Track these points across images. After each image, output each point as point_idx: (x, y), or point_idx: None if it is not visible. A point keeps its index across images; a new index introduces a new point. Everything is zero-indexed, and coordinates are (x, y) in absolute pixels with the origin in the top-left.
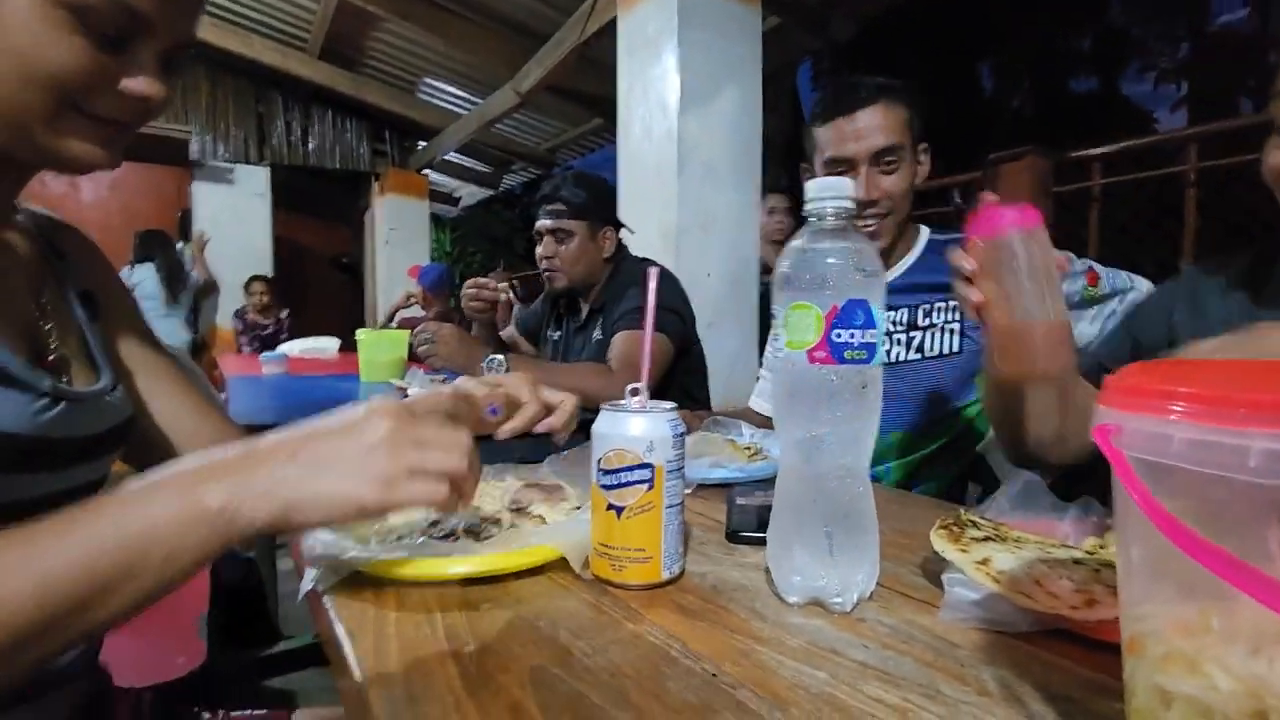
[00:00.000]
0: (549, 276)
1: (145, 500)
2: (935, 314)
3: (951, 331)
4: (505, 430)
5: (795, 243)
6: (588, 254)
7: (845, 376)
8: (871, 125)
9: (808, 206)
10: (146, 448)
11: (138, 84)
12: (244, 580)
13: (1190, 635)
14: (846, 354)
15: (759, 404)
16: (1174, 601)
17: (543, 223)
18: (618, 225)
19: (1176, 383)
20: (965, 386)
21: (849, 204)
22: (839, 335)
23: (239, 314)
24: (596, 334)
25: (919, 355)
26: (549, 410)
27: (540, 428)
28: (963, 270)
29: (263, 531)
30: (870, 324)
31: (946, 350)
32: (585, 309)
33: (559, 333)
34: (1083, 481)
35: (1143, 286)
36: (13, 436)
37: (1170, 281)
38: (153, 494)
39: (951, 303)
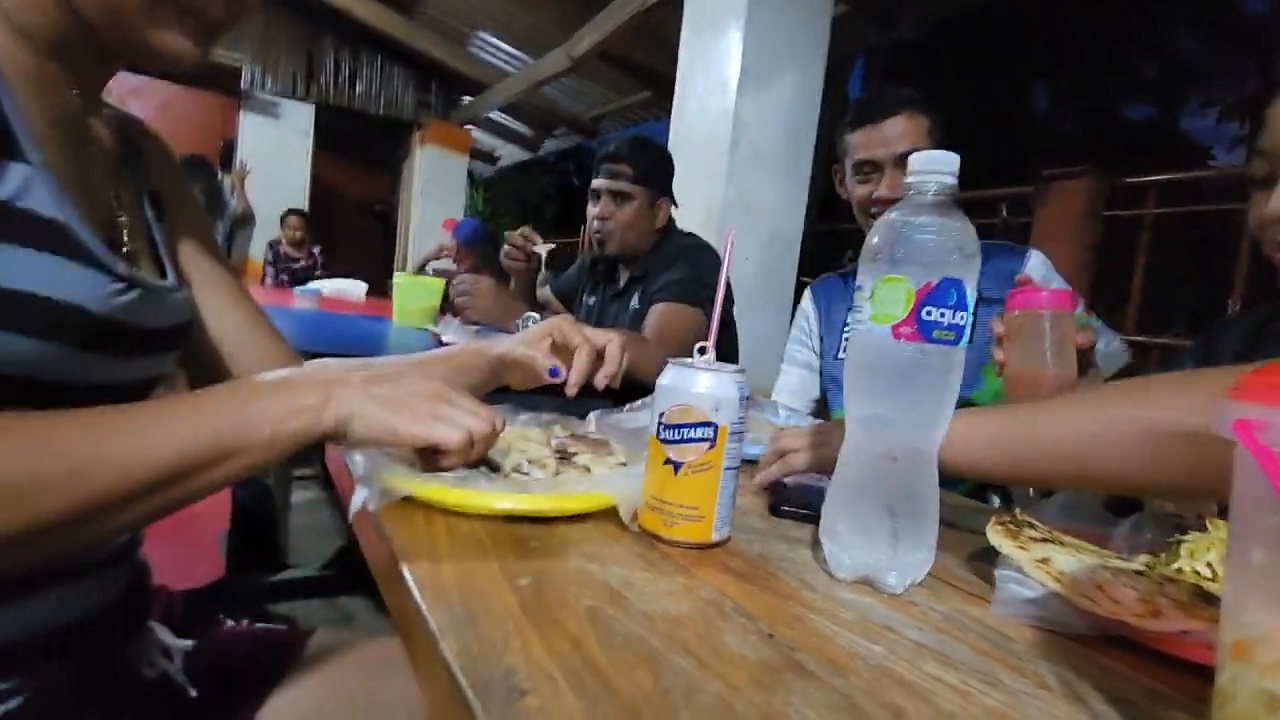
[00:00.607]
0: (599, 239)
1: (255, 394)
2: None
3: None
4: (572, 386)
5: (891, 215)
6: (642, 221)
7: (930, 356)
8: (896, 132)
9: (910, 179)
10: (198, 353)
11: None
12: (259, 505)
13: None
14: (935, 333)
15: (785, 398)
16: None
17: (601, 182)
18: (673, 197)
19: None
20: (974, 375)
21: (953, 180)
22: (929, 313)
23: (273, 245)
24: (634, 303)
25: None
26: (599, 355)
27: (598, 380)
28: (994, 331)
29: (330, 431)
30: (963, 306)
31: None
32: (624, 276)
33: (594, 298)
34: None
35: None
36: (85, 312)
37: (1215, 332)
38: (259, 390)
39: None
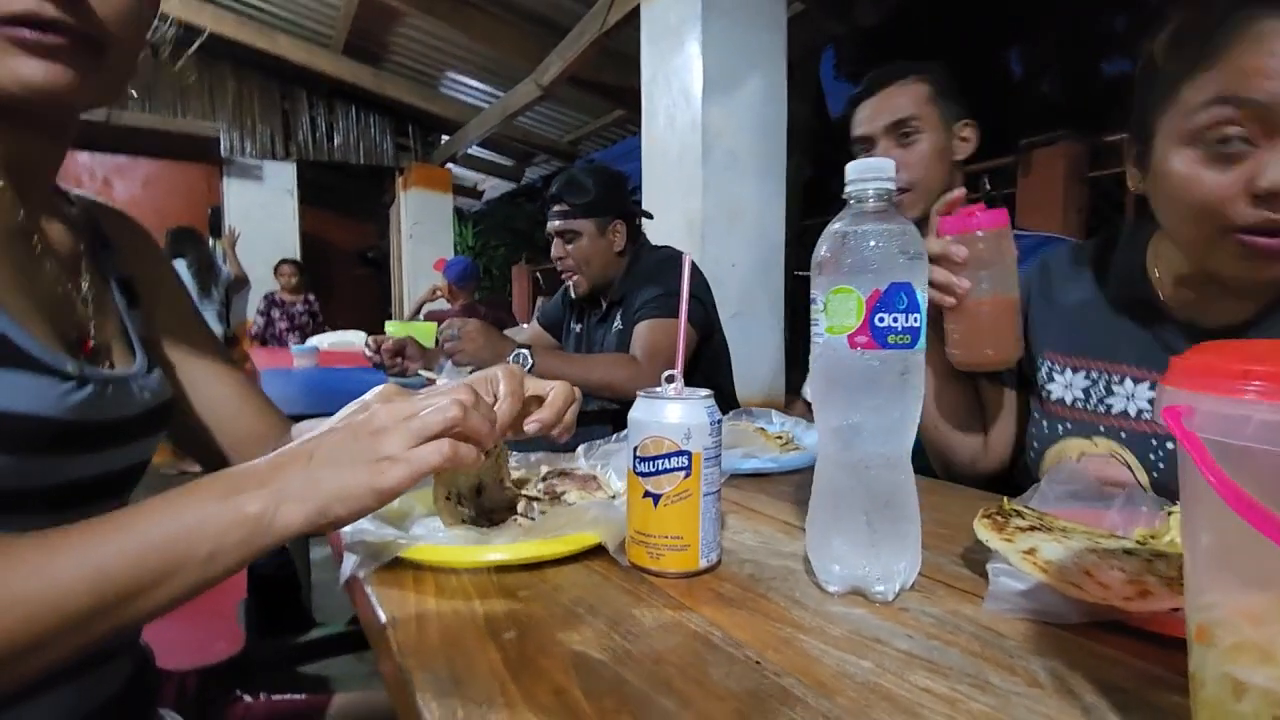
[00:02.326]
0: (566, 280)
1: (191, 504)
2: None
3: None
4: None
5: (835, 225)
6: (598, 251)
7: (888, 362)
8: (889, 103)
9: (848, 189)
10: (189, 432)
11: None
12: (279, 569)
13: (1263, 624)
14: (890, 339)
15: (808, 393)
16: (1245, 589)
17: (551, 224)
18: (631, 215)
19: (1252, 361)
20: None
21: (890, 185)
22: (881, 319)
23: (268, 296)
24: (617, 324)
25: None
26: (538, 402)
27: (527, 426)
28: (955, 255)
29: (302, 532)
30: (914, 308)
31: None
32: (604, 301)
33: (580, 325)
34: (1003, 488)
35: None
36: (43, 419)
37: (1032, 267)
38: (198, 498)
39: None
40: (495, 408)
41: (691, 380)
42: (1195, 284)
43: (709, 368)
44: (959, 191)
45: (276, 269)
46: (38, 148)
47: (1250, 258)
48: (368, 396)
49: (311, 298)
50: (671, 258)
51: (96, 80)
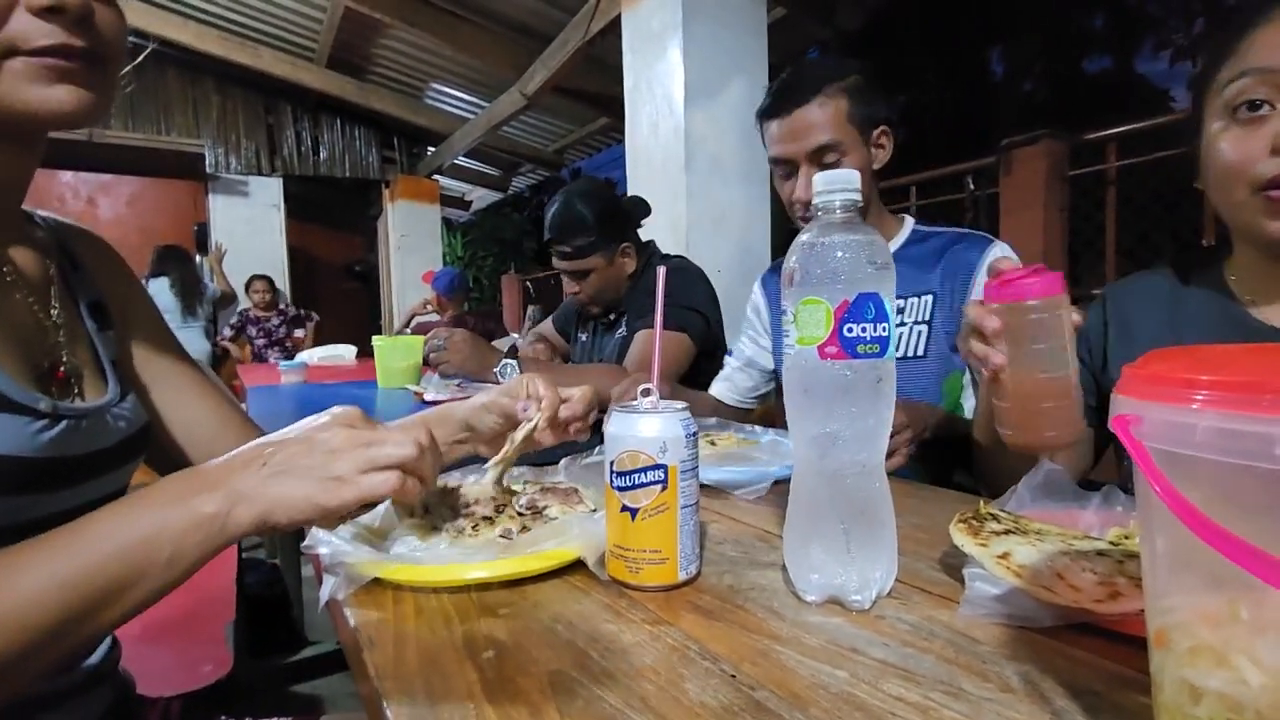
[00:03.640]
0: (583, 308)
1: (148, 508)
2: (906, 312)
3: (919, 334)
4: (543, 425)
5: (803, 237)
6: (612, 281)
7: (859, 371)
8: (806, 123)
9: (815, 200)
10: (167, 455)
11: None
12: (269, 589)
13: (1218, 627)
14: (859, 348)
15: (717, 389)
16: (1200, 593)
17: (557, 264)
18: (633, 234)
19: (1199, 370)
20: (931, 393)
21: (856, 196)
22: (850, 330)
23: (243, 313)
24: (621, 331)
25: None
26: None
27: (564, 412)
28: (986, 327)
29: (249, 533)
30: (882, 317)
31: (913, 353)
32: (613, 311)
33: (586, 334)
34: None
35: None
36: (17, 459)
37: (1095, 304)
38: (153, 502)
39: (925, 299)
40: (535, 407)
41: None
42: (1265, 276)
43: (710, 382)
44: (1009, 265)
45: (248, 286)
46: (7, 167)
47: (1274, 214)
48: (331, 413)
49: (286, 306)
50: (680, 269)
51: (102, 98)
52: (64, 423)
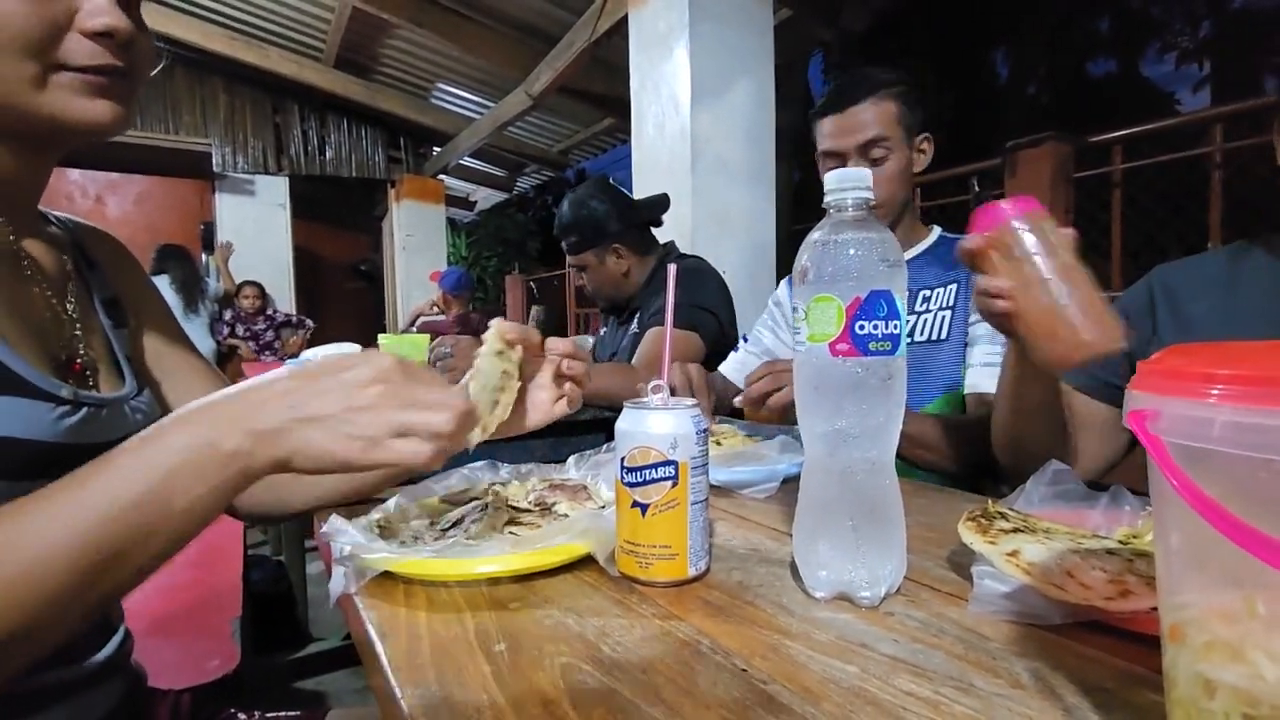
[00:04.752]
0: (591, 298)
1: (159, 448)
2: (932, 300)
3: (942, 318)
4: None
5: (815, 234)
6: (605, 279)
7: (870, 368)
8: (859, 120)
9: (828, 198)
10: None
11: (97, 21)
12: (274, 585)
13: (1233, 623)
14: (870, 345)
15: (730, 370)
16: (1216, 588)
17: (568, 258)
18: (638, 228)
19: (1216, 365)
20: (953, 372)
21: (869, 194)
22: (862, 327)
23: (235, 312)
24: (634, 328)
25: (909, 340)
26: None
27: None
28: (968, 246)
29: (265, 473)
30: (894, 315)
31: (936, 335)
32: (628, 307)
33: (605, 329)
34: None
35: None
36: (36, 444)
37: (1141, 282)
38: (166, 441)
39: (950, 287)
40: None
41: None
42: None
43: None
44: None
45: (239, 290)
46: (28, 167)
47: None
48: (368, 359)
49: (275, 312)
50: (695, 269)
51: (131, 113)
52: (84, 410)
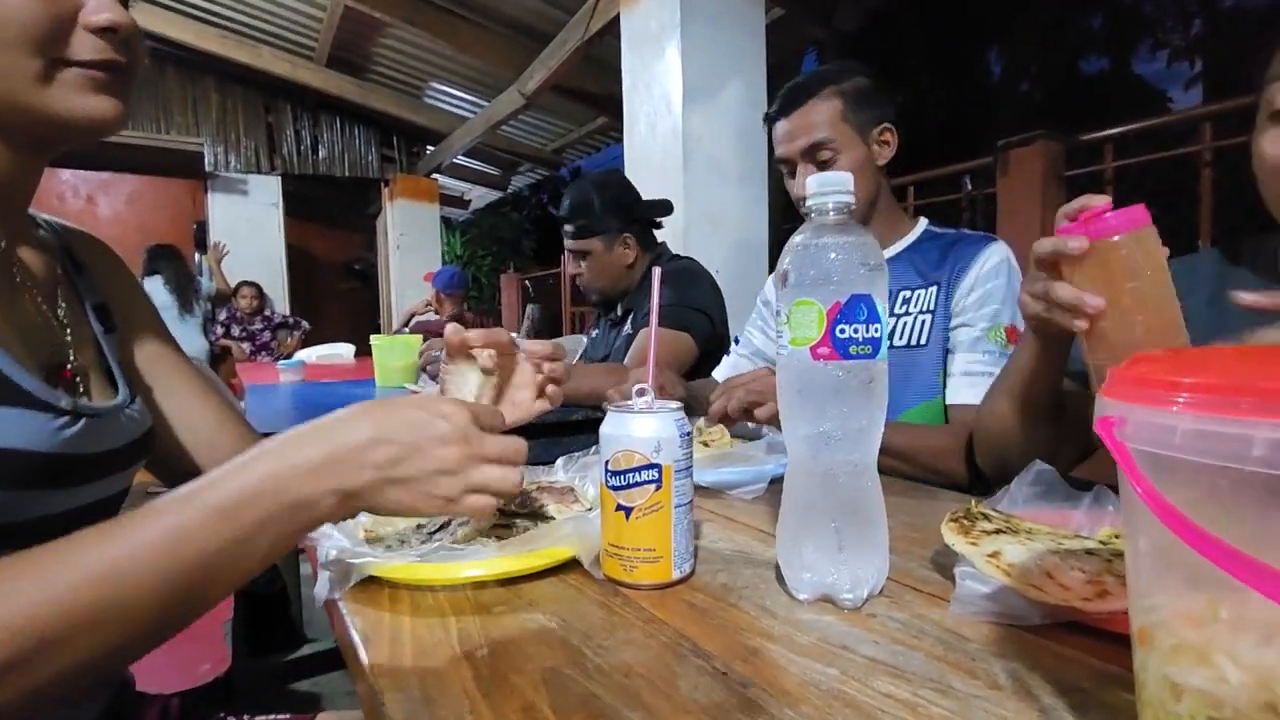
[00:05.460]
0: (583, 290)
1: (249, 507)
2: (912, 303)
3: (923, 322)
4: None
5: (796, 239)
6: (608, 267)
7: (851, 372)
8: (801, 124)
9: (809, 202)
10: (166, 457)
11: (101, 16)
12: (268, 585)
13: (1199, 626)
14: (851, 349)
15: (722, 374)
16: (1182, 592)
17: (566, 242)
18: (645, 224)
19: (1181, 373)
20: (932, 379)
21: (850, 199)
22: (842, 331)
23: (231, 313)
24: (627, 329)
25: (889, 344)
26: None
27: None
28: (1069, 248)
29: (340, 520)
30: (874, 319)
31: (915, 341)
32: (620, 307)
33: (597, 330)
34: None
35: None
36: (34, 455)
37: (1188, 258)
38: (256, 504)
39: (931, 289)
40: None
41: None
42: None
43: None
44: (1090, 199)
45: (236, 290)
46: (23, 168)
47: None
48: (448, 417)
49: (272, 313)
50: (687, 270)
51: (128, 108)
52: (82, 421)
